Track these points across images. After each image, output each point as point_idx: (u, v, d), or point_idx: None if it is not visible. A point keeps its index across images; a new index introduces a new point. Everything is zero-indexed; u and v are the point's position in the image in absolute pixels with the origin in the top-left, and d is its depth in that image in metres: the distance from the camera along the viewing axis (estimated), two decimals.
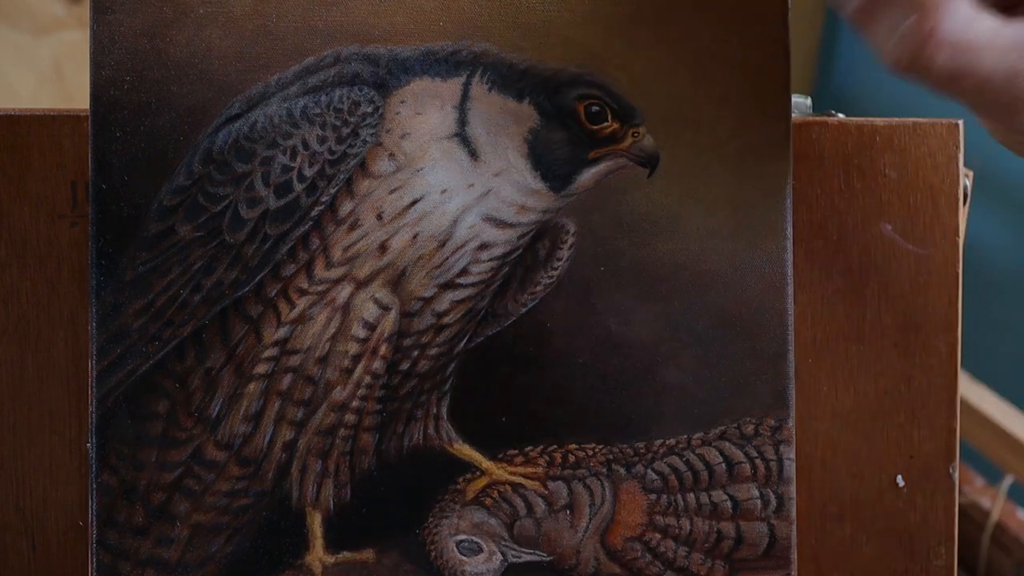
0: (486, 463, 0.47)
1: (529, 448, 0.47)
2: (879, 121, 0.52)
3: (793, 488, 0.47)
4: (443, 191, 0.45)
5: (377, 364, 0.46)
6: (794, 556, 0.47)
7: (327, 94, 0.45)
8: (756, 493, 0.47)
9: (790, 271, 0.47)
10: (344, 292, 0.45)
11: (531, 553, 0.47)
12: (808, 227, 0.52)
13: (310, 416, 0.46)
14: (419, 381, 0.46)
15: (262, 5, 0.45)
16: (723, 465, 0.47)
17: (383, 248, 0.45)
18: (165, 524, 0.46)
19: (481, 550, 0.47)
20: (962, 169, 0.52)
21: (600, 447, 0.47)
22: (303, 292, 0.45)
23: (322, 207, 0.45)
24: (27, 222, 0.50)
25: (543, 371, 0.46)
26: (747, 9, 0.47)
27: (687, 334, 0.47)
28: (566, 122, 0.46)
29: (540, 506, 0.47)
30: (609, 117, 0.46)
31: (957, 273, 0.52)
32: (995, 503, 1.08)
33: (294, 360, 0.45)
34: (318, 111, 0.45)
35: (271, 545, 0.46)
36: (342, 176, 0.45)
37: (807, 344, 0.52)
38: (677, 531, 0.47)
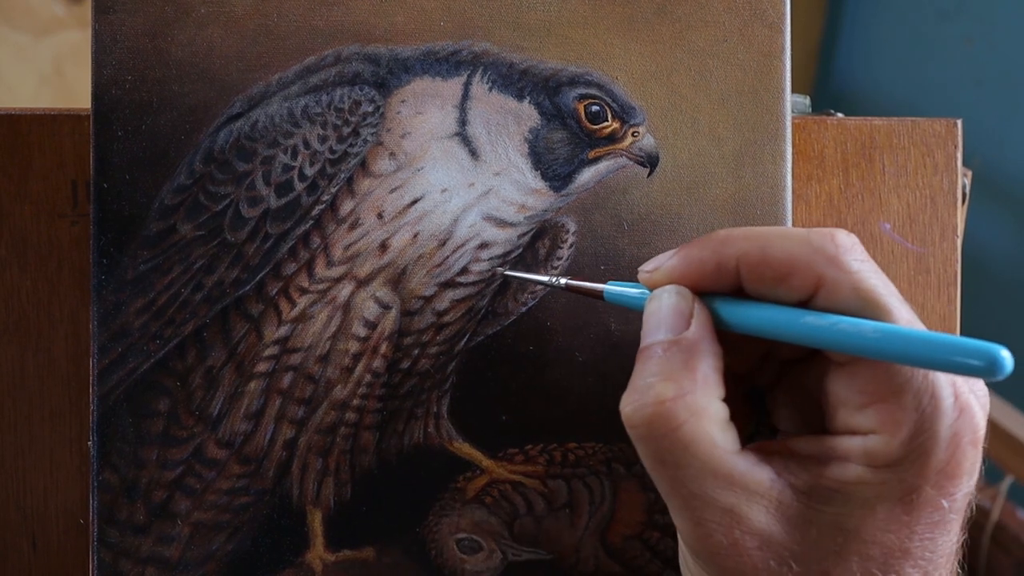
0: (486, 462, 0.47)
1: (529, 447, 0.47)
2: (878, 120, 0.52)
3: None
4: (443, 190, 0.45)
5: (378, 363, 0.46)
6: None
7: (328, 93, 0.45)
8: None
9: None
10: (345, 291, 0.46)
11: (531, 551, 0.47)
12: (808, 226, 0.52)
13: (311, 414, 0.46)
14: (419, 380, 0.46)
15: (263, 4, 0.45)
16: None
17: (384, 247, 0.45)
18: (166, 522, 0.46)
19: (481, 548, 0.47)
20: (961, 169, 0.52)
21: (600, 446, 0.47)
22: (304, 291, 0.45)
23: (323, 206, 0.45)
24: (28, 221, 0.50)
25: (543, 370, 0.46)
26: (747, 9, 0.47)
27: None
28: (566, 121, 0.46)
29: (540, 504, 0.47)
30: (609, 117, 0.46)
31: (956, 272, 0.52)
32: (995, 503, 1.09)
33: (295, 359, 0.46)
34: (319, 110, 0.45)
35: (272, 543, 0.46)
36: (343, 175, 0.45)
37: None
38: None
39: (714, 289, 0.38)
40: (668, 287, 0.39)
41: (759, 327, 0.37)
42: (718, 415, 0.36)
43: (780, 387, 0.41)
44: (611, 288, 0.42)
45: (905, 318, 0.35)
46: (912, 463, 0.34)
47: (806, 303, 0.36)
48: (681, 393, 0.36)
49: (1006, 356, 0.32)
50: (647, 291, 0.40)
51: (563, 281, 0.44)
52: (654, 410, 0.36)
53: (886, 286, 0.36)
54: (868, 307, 0.35)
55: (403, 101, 0.45)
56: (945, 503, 0.35)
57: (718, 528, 0.35)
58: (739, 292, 0.38)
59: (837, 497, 0.35)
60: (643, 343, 0.38)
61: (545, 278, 0.45)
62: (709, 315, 0.38)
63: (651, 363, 0.37)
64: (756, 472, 0.36)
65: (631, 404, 0.36)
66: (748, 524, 0.35)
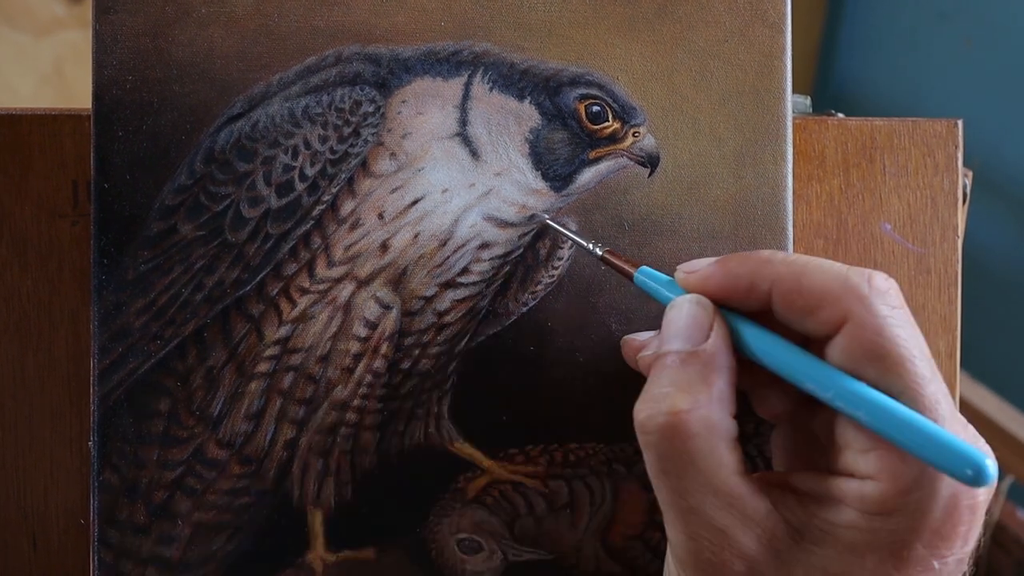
0: (487, 462, 0.47)
1: (530, 447, 0.47)
2: (879, 121, 0.52)
3: None
4: (444, 190, 0.45)
5: (378, 363, 0.46)
6: None
7: (329, 93, 0.45)
8: None
9: None
10: (345, 291, 0.46)
11: (531, 552, 0.47)
12: (808, 226, 0.52)
13: (311, 415, 0.46)
14: (420, 380, 0.46)
15: (264, 5, 0.45)
16: None
17: (384, 247, 0.45)
18: (167, 522, 0.46)
19: (482, 549, 0.47)
20: (961, 169, 0.52)
21: (601, 446, 0.47)
22: (304, 291, 0.45)
23: (324, 206, 0.45)
24: (28, 221, 0.50)
25: (544, 370, 0.46)
26: (747, 9, 0.47)
27: None
28: (567, 122, 0.46)
29: (541, 505, 0.47)
30: (610, 117, 0.46)
31: (957, 273, 0.52)
32: (995, 503, 1.08)
33: (295, 359, 0.46)
34: (320, 110, 0.45)
35: (272, 544, 0.46)
36: (343, 175, 0.45)
37: None
38: None
39: (742, 307, 0.38)
40: (690, 296, 0.39)
41: (775, 365, 0.37)
42: (729, 433, 0.36)
43: (783, 417, 0.41)
44: (642, 276, 0.42)
45: (920, 373, 0.35)
46: (906, 516, 0.34)
47: (832, 336, 0.36)
48: (696, 406, 0.36)
49: (991, 470, 0.32)
50: (676, 291, 0.40)
51: (599, 251, 0.44)
52: (667, 420, 0.36)
53: (911, 338, 0.35)
54: (884, 357, 0.35)
55: (404, 101, 0.45)
56: (936, 564, 0.34)
57: (709, 546, 0.35)
58: (765, 314, 0.38)
59: (827, 539, 0.35)
60: (660, 349, 0.38)
61: (584, 242, 0.45)
62: (728, 331, 0.38)
63: (668, 372, 0.37)
64: (755, 500, 0.36)
65: (645, 411, 0.36)
66: (739, 548, 0.35)
